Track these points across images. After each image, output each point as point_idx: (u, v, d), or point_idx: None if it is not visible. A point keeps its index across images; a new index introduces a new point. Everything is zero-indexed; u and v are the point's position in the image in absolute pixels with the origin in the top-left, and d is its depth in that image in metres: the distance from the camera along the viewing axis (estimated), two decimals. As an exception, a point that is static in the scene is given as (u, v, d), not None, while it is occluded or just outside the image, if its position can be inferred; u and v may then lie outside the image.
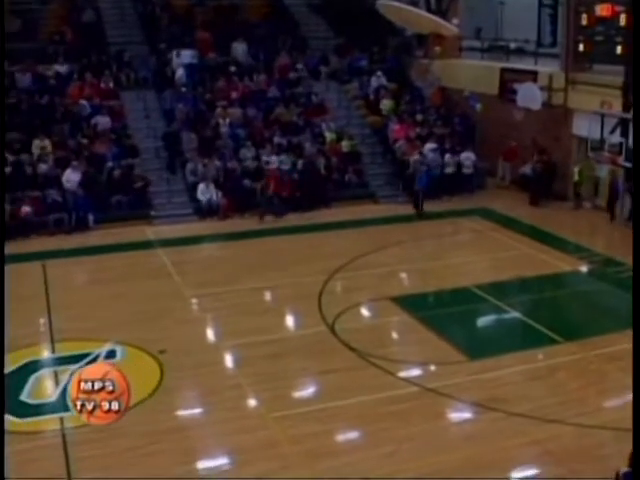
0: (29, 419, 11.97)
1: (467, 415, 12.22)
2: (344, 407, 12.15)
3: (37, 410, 12.30)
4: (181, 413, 12.51)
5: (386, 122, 28.14)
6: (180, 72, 28.43)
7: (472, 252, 21.11)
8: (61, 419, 11.84)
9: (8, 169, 23.55)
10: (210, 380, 13.25)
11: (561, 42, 26.57)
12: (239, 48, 30.13)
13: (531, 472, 10.59)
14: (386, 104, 28.83)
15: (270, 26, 32.11)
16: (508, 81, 26.85)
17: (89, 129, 25.73)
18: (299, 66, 30.09)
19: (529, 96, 25.21)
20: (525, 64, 28.25)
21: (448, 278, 18.40)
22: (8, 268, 19.58)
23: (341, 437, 11.63)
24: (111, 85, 27.80)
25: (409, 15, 28.24)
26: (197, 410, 12.67)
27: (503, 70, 27.56)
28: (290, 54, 30.74)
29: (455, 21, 31.19)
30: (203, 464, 10.91)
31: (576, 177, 24.52)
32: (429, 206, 24.32)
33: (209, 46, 30.02)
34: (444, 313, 16.69)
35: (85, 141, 25.15)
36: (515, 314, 16.28)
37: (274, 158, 25.45)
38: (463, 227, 23.39)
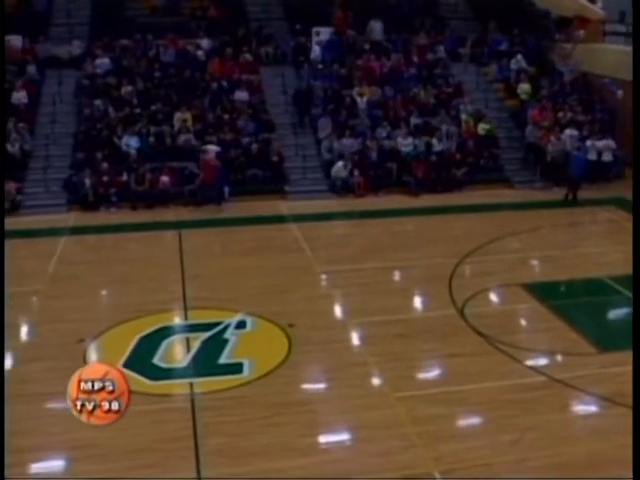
0: (160, 382, 12.25)
1: (594, 409, 11.92)
2: (469, 392, 12.05)
3: (168, 374, 12.66)
4: (306, 387, 12.68)
5: (524, 106, 27.66)
6: (318, 50, 28.67)
7: (607, 242, 20.55)
8: (191, 384, 12.21)
9: (151, 139, 24.31)
10: (336, 356, 13.31)
11: None
12: (376, 27, 30.03)
13: (658, 472, 10.32)
14: (523, 88, 28.27)
15: (409, 5, 31.91)
16: (653, 68, 25.92)
17: (228, 103, 26.23)
18: (438, 47, 29.85)
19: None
20: (672, 50, 27.20)
21: (581, 267, 17.96)
22: (147, 235, 20.61)
23: (464, 421, 11.54)
24: (250, 60, 28.20)
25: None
26: (322, 385, 12.78)
27: (648, 56, 26.59)
28: (429, 34, 30.51)
29: (599, 4, 30.35)
30: (326, 438, 11.00)
31: None
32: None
33: (347, 24, 30.08)
34: (575, 303, 16.36)
35: (226, 116, 25.66)
36: (649, 309, 15.80)
37: (410, 139, 25.47)
38: (599, 216, 22.88)
